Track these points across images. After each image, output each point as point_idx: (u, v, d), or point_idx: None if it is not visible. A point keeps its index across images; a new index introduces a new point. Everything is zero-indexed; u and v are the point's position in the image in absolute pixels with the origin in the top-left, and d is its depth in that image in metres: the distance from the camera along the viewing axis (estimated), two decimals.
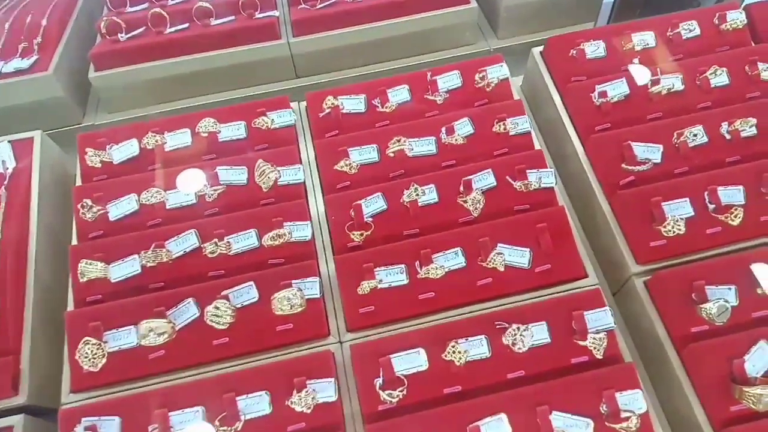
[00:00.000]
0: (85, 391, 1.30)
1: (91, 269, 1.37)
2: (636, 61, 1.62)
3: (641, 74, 1.62)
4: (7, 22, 1.92)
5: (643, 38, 1.65)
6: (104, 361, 1.29)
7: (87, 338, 1.28)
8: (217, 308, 1.29)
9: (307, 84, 1.97)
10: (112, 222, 1.49)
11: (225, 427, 1.20)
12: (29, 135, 1.62)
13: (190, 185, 1.51)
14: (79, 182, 1.58)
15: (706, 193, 1.42)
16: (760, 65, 1.59)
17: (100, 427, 1.22)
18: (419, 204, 1.47)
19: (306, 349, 1.34)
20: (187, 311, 1.33)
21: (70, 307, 1.41)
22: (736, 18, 1.68)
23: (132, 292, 1.40)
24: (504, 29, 2.01)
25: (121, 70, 1.83)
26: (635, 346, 1.44)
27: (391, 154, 1.55)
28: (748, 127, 1.50)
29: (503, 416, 1.19)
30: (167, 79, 1.89)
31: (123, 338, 1.31)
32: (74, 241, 1.49)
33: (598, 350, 1.26)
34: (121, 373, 1.30)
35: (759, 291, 1.31)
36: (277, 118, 1.61)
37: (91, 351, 1.27)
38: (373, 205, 1.47)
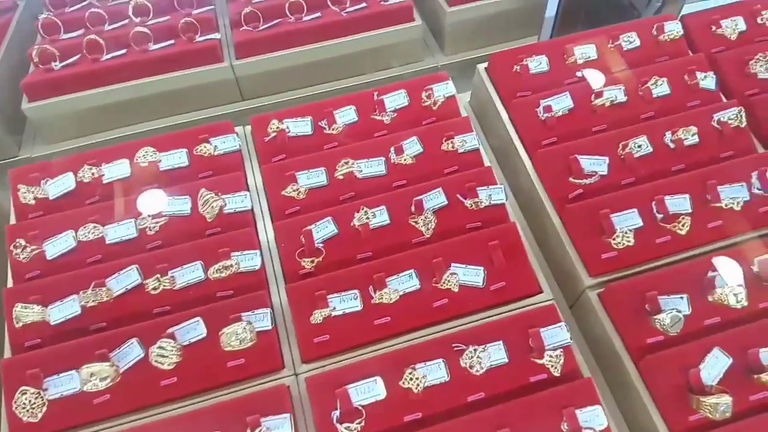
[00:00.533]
0: None
1: (27, 313, 1.30)
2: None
3: (596, 79, 1.64)
4: None
5: (585, 51, 1.67)
6: (44, 410, 1.21)
7: (24, 387, 1.20)
8: (161, 348, 1.23)
9: (255, 106, 1.93)
10: (50, 261, 1.41)
11: None
12: None
13: (152, 207, 1.45)
14: (13, 221, 1.50)
15: (653, 203, 1.43)
16: (698, 74, 1.63)
17: None
18: (371, 227, 1.45)
19: (260, 384, 1.29)
20: (130, 352, 1.27)
21: (7, 354, 1.33)
22: (674, 29, 1.72)
23: (73, 334, 1.32)
24: (450, 45, 2.01)
25: (57, 100, 1.75)
26: (594, 357, 1.44)
27: (341, 177, 1.53)
28: (690, 136, 1.52)
29: None
30: (107, 107, 1.82)
31: (64, 384, 1.24)
32: (9, 284, 1.41)
33: (555, 368, 1.25)
34: (64, 421, 1.23)
35: (710, 298, 1.32)
36: (221, 144, 1.56)
37: (29, 401, 1.20)
38: (324, 230, 1.44)
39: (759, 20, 1.77)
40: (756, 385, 1.23)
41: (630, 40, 1.70)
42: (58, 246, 1.41)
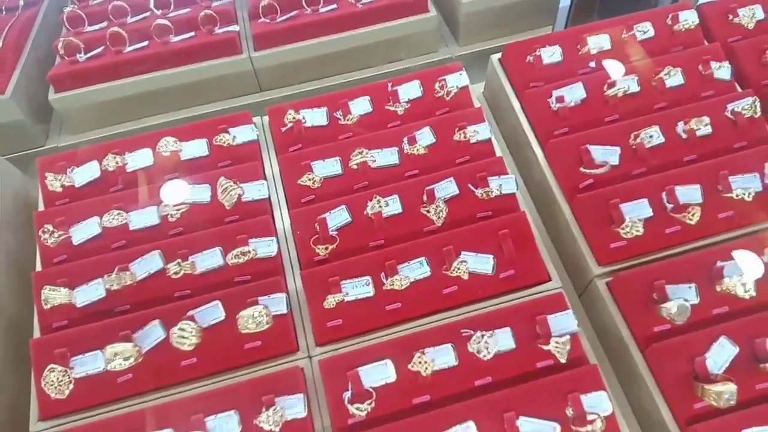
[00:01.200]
0: (53, 418, 1.29)
1: (54, 295, 1.36)
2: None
3: (615, 69, 1.65)
4: None
5: (599, 41, 1.67)
6: (71, 387, 1.28)
7: (52, 365, 1.27)
8: (182, 329, 1.29)
9: (273, 97, 1.98)
10: (76, 246, 1.48)
11: None
12: None
13: (174, 197, 1.51)
14: (41, 207, 1.57)
15: (663, 193, 1.44)
16: (713, 64, 1.63)
17: None
18: (383, 215, 1.48)
19: (275, 366, 1.34)
20: (152, 333, 1.33)
21: (36, 334, 1.40)
22: (689, 18, 1.71)
23: (98, 316, 1.39)
24: (465, 36, 2.03)
25: (82, 91, 1.82)
26: (602, 346, 1.46)
27: (355, 166, 1.56)
28: (702, 126, 1.53)
29: (471, 424, 1.21)
30: (130, 98, 1.88)
31: (90, 363, 1.30)
32: (38, 268, 1.48)
33: (561, 354, 1.27)
34: (89, 399, 1.30)
35: (718, 288, 1.33)
36: (239, 135, 1.61)
37: (57, 378, 1.26)
38: (338, 218, 1.48)
39: None
40: (762, 374, 1.24)
41: (644, 30, 1.70)
42: (84, 232, 1.47)
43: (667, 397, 1.26)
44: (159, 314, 1.35)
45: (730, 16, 1.74)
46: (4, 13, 2.11)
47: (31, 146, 1.88)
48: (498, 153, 1.61)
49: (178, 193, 1.51)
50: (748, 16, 1.70)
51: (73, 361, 1.31)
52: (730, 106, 1.56)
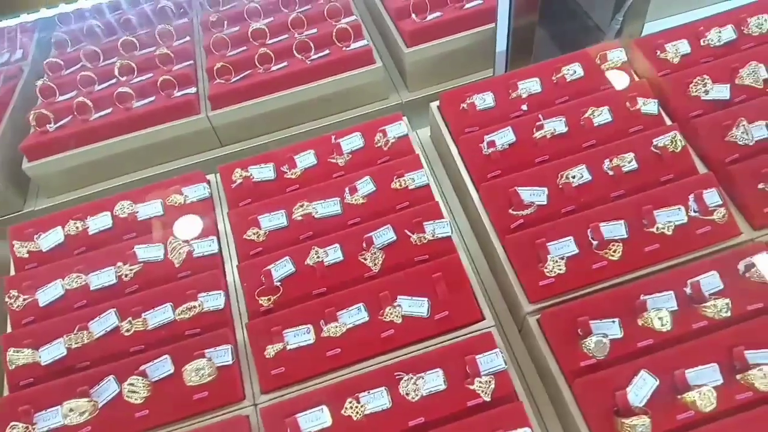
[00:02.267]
0: None
1: (18, 356, 1.47)
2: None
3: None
4: None
5: (529, 85, 1.76)
6: None
7: (14, 423, 1.37)
8: (132, 384, 1.38)
9: (233, 151, 2.09)
10: (42, 308, 1.59)
11: None
12: None
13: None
14: (12, 272, 1.69)
15: (589, 230, 1.51)
16: (640, 100, 1.69)
17: None
18: (325, 264, 1.57)
19: (222, 415, 1.42)
20: (108, 388, 1.42)
21: (5, 392, 1.50)
22: (617, 57, 1.79)
23: (61, 373, 1.49)
24: (413, 83, 2.13)
25: (53, 159, 1.95)
26: (541, 380, 1.52)
27: (299, 218, 1.65)
28: (627, 162, 1.59)
29: None
30: (99, 162, 2.01)
31: (51, 419, 1.40)
32: (9, 330, 1.59)
33: (485, 392, 1.34)
34: None
35: (639, 322, 1.39)
36: (192, 193, 1.72)
37: None
38: (282, 269, 1.57)
39: (702, 42, 1.81)
40: (681, 405, 1.29)
41: (573, 70, 1.77)
42: (48, 294, 1.59)
43: (593, 430, 1.31)
44: (115, 370, 1.45)
45: (658, 52, 1.81)
46: None
47: (9, 211, 2.01)
48: (437, 197, 1.69)
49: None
50: (673, 51, 1.77)
51: (36, 417, 1.41)
52: (655, 141, 1.62)
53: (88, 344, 1.50)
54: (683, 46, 1.80)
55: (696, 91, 1.70)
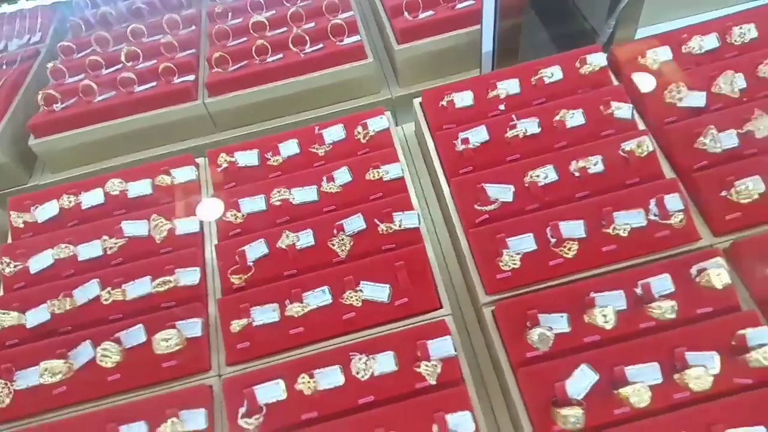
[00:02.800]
0: None
1: (5, 318, 1.59)
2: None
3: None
4: None
5: (507, 86, 1.81)
6: (11, 398, 1.49)
7: None
8: (105, 349, 1.49)
9: (228, 137, 2.19)
10: (33, 275, 1.71)
11: None
12: None
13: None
14: (10, 240, 1.81)
15: (548, 228, 1.56)
16: (613, 104, 1.73)
17: None
18: (297, 248, 1.65)
19: (189, 383, 1.52)
20: (84, 352, 1.53)
21: None
22: (595, 61, 1.82)
23: (44, 336, 1.60)
24: (403, 79, 2.19)
25: (57, 137, 2.08)
26: (494, 368, 1.57)
27: (278, 203, 1.74)
28: (592, 165, 1.63)
29: None
30: (101, 141, 2.13)
31: (29, 377, 1.51)
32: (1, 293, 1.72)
33: (431, 376, 1.40)
34: (25, 408, 1.50)
35: (586, 319, 1.43)
36: (180, 175, 1.82)
37: None
38: (257, 250, 1.65)
39: (683, 49, 1.83)
40: (617, 400, 1.33)
41: (552, 73, 1.81)
42: (39, 263, 1.70)
43: (532, 418, 1.37)
44: (92, 335, 1.55)
45: (639, 57, 1.84)
46: (5, 67, 2.42)
47: (15, 184, 2.15)
48: (412, 190, 1.76)
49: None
50: (652, 58, 1.80)
51: (16, 375, 1.52)
52: (623, 145, 1.66)
53: (70, 311, 1.61)
54: (664, 53, 1.82)
55: (670, 98, 1.72)
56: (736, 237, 1.55)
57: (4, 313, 1.58)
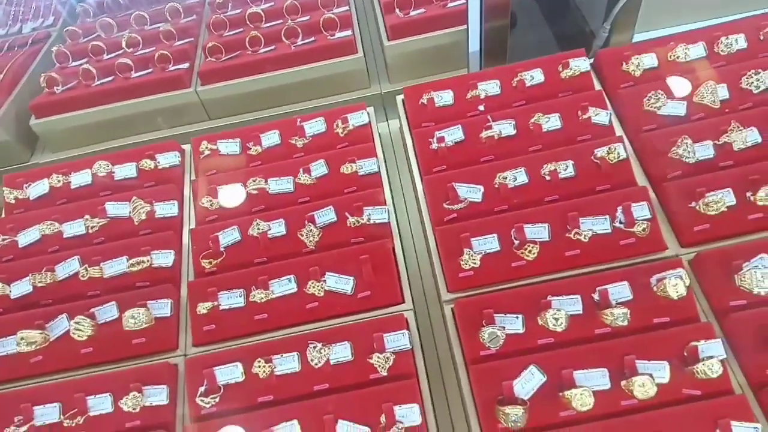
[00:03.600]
0: None
1: None
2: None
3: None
4: None
5: (488, 87, 1.82)
6: None
7: None
8: (78, 323, 1.56)
9: (219, 125, 2.24)
10: (21, 249, 1.79)
11: (69, 421, 1.46)
12: None
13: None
14: (3, 215, 1.90)
15: (512, 230, 1.57)
16: (591, 110, 1.73)
17: None
18: (268, 236, 1.70)
19: (155, 360, 1.58)
20: (60, 325, 1.61)
21: None
22: (577, 65, 1.82)
23: (26, 307, 1.69)
24: (393, 74, 2.21)
25: (56, 118, 2.16)
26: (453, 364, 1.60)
27: (254, 191, 1.79)
28: (563, 170, 1.64)
29: (295, 422, 1.40)
30: (98, 124, 2.21)
31: (8, 346, 1.60)
32: None
33: (382, 368, 1.44)
34: (4, 373, 1.59)
35: (539, 321, 1.45)
36: (164, 160, 1.88)
37: None
38: (229, 236, 1.71)
39: (669, 57, 1.82)
40: (563, 402, 1.35)
41: (533, 76, 1.82)
42: (27, 237, 1.79)
43: (480, 416, 1.39)
44: (70, 309, 1.63)
45: (623, 64, 1.83)
46: (16, 48, 2.51)
47: (17, 162, 2.24)
48: (387, 185, 1.79)
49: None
50: (635, 64, 1.79)
51: None
52: (596, 151, 1.66)
53: (51, 285, 1.69)
54: (648, 60, 1.81)
55: (649, 106, 1.72)
56: (703, 249, 1.54)
57: None
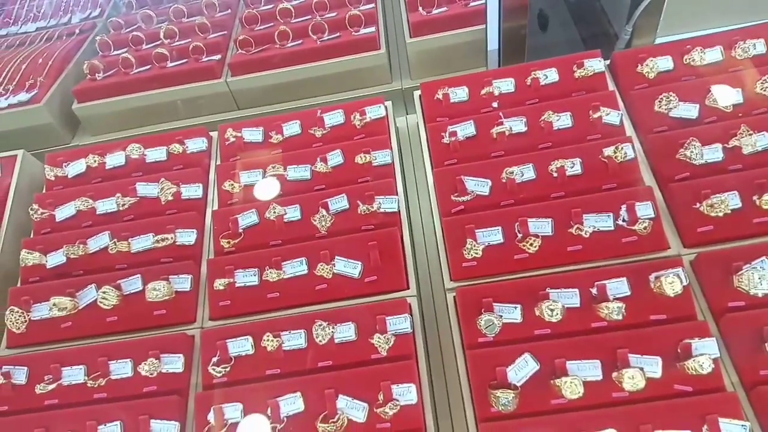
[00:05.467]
0: (15, 347, 1.74)
1: (29, 257, 1.82)
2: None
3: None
4: (25, 63, 2.46)
5: (502, 85, 1.87)
6: (26, 325, 1.71)
7: (12, 308, 1.71)
8: (104, 293, 1.68)
9: (249, 114, 2.35)
10: (58, 223, 1.93)
11: (92, 382, 1.58)
12: (14, 153, 2.11)
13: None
14: (44, 191, 2.05)
15: (516, 223, 1.63)
16: (602, 109, 1.76)
17: (12, 373, 1.64)
18: (284, 220, 1.79)
19: (174, 331, 1.69)
20: (88, 294, 1.73)
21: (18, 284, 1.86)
22: (591, 66, 1.85)
23: (60, 276, 1.82)
24: (415, 71, 2.28)
25: (97, 103, 2.31)
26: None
27: (273, 177, 1.88)
28: (570, 167, 1.68)
29: (299, 394, 1.48)
30: (136, 109, 2.34)
31: (42, 311, 1.73)
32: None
33: (383, 348, 1.51)
34: (38, 336, 1.73)
35: (536, 312, 1.50)
36: (192, 145, 1.99)
37: (14, 317, 1.70)
38: (248, 219, 1.80)
39: (684, 60, 1.84)
40: (554, 389, 1.40)
41: (547, 75, 1.86)
42: (64, 212, 1.92)
43: (474, 398, 1.45)
44: (98, 280, 1.75)
45: (639, 66, 1.86)
46: (65, 37, 2.68)
47: (59, 143, 2.40)
48: (399, 176, 1.86)
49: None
50: (649, 66, 1.81)
51: (33, 307, 1.74)
52: (604, 150, 1.69)
53: (83, 257, 1.82)
54: (663, 63, 1.83)
55: (660, 108, 1.74)
56: (706, 250, 1.56)
57: (29, 253, 1.81)
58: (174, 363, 1.59)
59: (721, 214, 1.56)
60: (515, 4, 1.90)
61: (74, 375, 1.61)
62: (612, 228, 1.59)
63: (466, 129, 1.82)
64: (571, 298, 1.51)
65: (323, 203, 1.78)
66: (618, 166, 1.68)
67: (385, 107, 1.97)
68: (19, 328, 1.71)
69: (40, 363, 1.64)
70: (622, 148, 1.67)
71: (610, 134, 1.77)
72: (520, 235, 1.62)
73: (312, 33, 2.24)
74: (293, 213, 1.79)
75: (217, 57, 2.29)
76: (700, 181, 1.61)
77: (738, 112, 1.73)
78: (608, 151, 1.68)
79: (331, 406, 1.46)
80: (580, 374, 1.41)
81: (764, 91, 1.72)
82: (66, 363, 1.62)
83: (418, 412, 1.44)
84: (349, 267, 1.67)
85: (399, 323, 1.55)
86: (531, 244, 1.59)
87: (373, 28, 2.23)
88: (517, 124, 1.79)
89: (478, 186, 1.72)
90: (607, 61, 1.94)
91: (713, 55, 1.83)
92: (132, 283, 1.73)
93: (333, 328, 1.55)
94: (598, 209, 1.61)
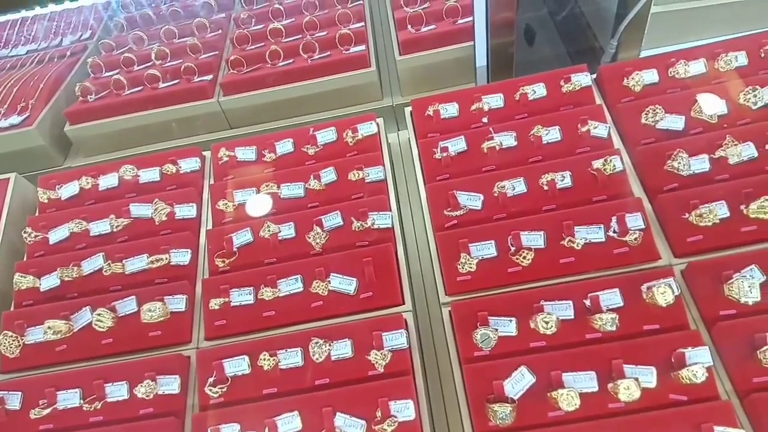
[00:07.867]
0: (9, 372, 1.73)
1: (23, 281, 1.81)
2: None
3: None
4: (16, 86, 2.47)
5: (491, 100, 1.90)
6: (19, 350, 1.71)
7: (5, 332, 1.70)
8: (99, 315, 1.68)
9: (241, 134, 2.37)
10: (51, 245, 1.93)
11: (88, 405, 1.57)
12: (7, 176, 2.11)
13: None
14: (37, 214, 2.05)
15: (509, 237, 1.64)
16: (590, 123, 1.79)
17: (6, 398, 1.63)
18: (279, 238, 1.80)
19: (170, 351, 1.69)
20: (83, 316, 1.73)
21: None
22: (578, 80, 1.89)
23: (54, 299, 1.81)
24: (405, 88, 2.31)
25: (89, 125, 2.31)
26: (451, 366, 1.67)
27: (267, 196, 1.89)
28: (561, 180, 1.70)
29: (296, 413, 1.48)
30: (128, 130, 2.35)
31: (36, 334, 1.72)
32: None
33: (379, 364, 1.51)
34: (32, 360, 1.71)
35: (531, 324, 1.51)
36: (185, 165, 2.00)
37: (8, 342, 1.69)
38: (242, 237, 1.81)
39: (669, 73, 1.87)
40: (550, 402, 1.41)
41: (535, 90, 1.89)
42: (57, 235, 1.92)
43: (472, 413, 1.46)
44: (93, 302, 1.75)
45: (625, 79, 1.89)
46: (56, 59, 2.69)
47: (52, 165, 2.40)
48: (392, 192, 1.87)
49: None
50: (635, 80, 1.85)
51: (27, 331, 1.74)
52: (593, 163, 1.72)
53: (77, 279, 1.81)
54: (649, 76, 1.87)
55: (647, 120, 1.77)
56: (696, 259, 1.58)
57: (22, 276, 1.80)
58: (170, 384, 1.58)
59: (709, 224, 1.58)
60: (502, 21, 1.93)
61: (69, 399, 1.60)
62: (603, 240, 1.61)
63: (457, 144, 1.84)
64: (564, 310, 1.52)
65: (317, 220, 1.79)
66: (607, 179, 1.71)
67: (377, 124, 1.99)
68: (12, 353, 1.70)
69: (35, 387, 1.63)
70: (610, 161, 1.69)
71: (598, 147, 1.79)
72: (513, 249, 1.63)
73: (303, 52, 2.27)
74: (287, 231, 1.80)
75: (209, 77, 2.30)
76: (688, 191, 1.64)
77: (723, 122, 1.77)
78: (597, 164, 1.71)
79: (329, 424, 1.45)
80: (576, 386, 1.41)
81: (747, 102, 1.75)
82: (61, 387, 1.61)
83: (416, 427, 1.44)
84: (344, 284, 1.68)
85: (395, 339, 1.56)
86: (524, 257, 1.60)
87: (363, 47, 2.26)
88: (507, 139, 1.81)
89: (470, 200, 1.74)
90: (594, 75, 1.97)
91: (697, 67, 1.87)
92: (127, 305, 1.73)
93: (329, 345, 1.56)
94: (589, 221, 1.63)
